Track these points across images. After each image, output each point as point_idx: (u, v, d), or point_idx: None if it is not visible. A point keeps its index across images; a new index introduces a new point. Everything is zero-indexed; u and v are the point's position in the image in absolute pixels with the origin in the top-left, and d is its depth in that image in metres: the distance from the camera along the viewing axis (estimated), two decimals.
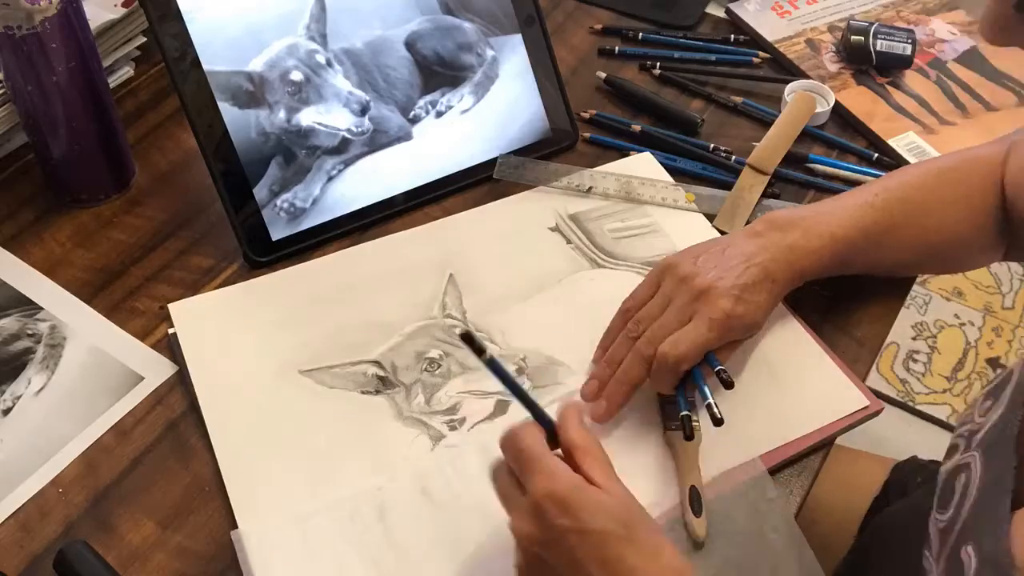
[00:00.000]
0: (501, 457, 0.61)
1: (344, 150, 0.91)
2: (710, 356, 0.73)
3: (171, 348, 0.81)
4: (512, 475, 0.60)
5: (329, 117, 0.90)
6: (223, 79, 0.86)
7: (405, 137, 0.93)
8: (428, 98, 0.94)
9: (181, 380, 0.79)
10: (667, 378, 0.72)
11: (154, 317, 0.83)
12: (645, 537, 0.56)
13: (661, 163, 0.95)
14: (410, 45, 0.93)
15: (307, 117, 0.89)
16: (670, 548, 0.58)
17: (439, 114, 0.94)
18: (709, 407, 0.71)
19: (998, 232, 0.81)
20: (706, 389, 0.72)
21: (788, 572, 0.69)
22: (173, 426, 0.76)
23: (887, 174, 0.85)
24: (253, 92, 0.87)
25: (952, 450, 0.67)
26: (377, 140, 0.92)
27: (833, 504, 0.96)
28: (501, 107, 0.95)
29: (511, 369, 0.78)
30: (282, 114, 0.88)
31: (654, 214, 0.90)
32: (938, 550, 0.62)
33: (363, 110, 0.91)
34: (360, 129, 0.91)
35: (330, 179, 0.90)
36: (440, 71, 0.94)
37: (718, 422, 0.70)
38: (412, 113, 0.93)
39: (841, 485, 0.97)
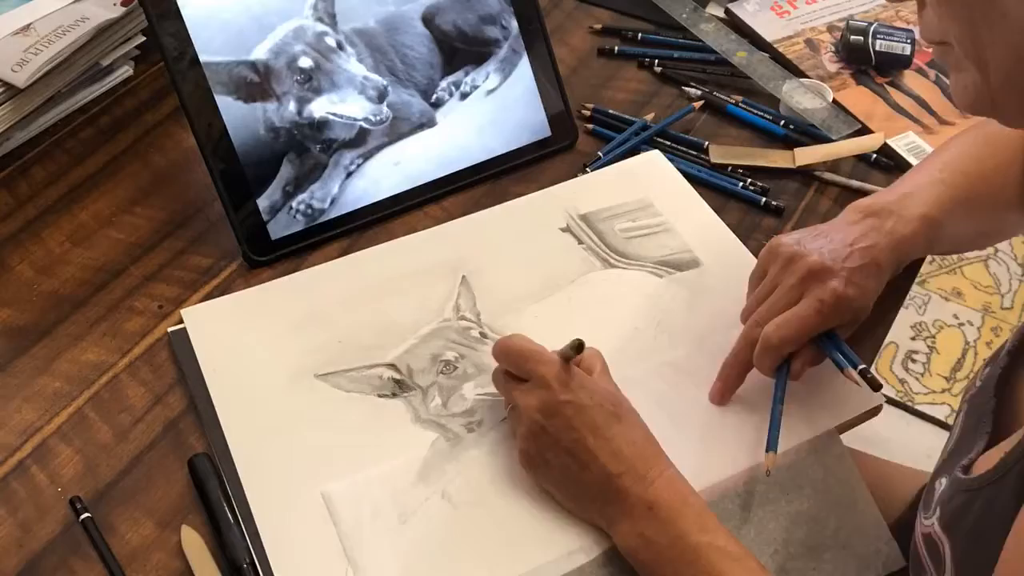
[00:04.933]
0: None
1: (362, 142, 0.86)
2: (848, 353, 0.73)
3: (171, 347, 0.81)
4: (509, 373, 0.70)
5: (344, 106, 0.84)
6: (224, 71, 0.81)
7: (428, 124, 0.88)
8: (451, 78, 0.88)
9: (181, 379, 0.79)
10: (768, 360, 0.73)
11: (153, 316, 0.83)
12: (628, 416, 0.68)
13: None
14: (428, 20, 0.87)
15: (320, 108, 0.84)
16: (646, 429, 0.68)
17: (464, 95, 0.88)
18: (864, 372, 0.71)
19: None
20: (845, 355, 0.72)
21: (851, 522, 0.71)
22: (172, 425, 0.76)
23: (941, 145, 0.86)
24: (259, 83, 0.82)
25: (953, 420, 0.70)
26: (398, 128, 0.87)
27: None
28: (500, 105, 0.94)
29: None
30: (292, 106, 0.84)
31: (665, 213, 0.90)
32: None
33: (381, 96, 0.85)
34: (379, 118, 0.86)
35: (349, 175, 0.85)
36: (463, 47, 0.88)
37: (877, 386, 0.71)
38: (434, 96, 0.88)
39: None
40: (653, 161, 0.94)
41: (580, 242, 0.88)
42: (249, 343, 0.80)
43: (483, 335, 0.80)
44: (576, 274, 0.85)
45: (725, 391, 0.75)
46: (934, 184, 0.79)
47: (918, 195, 0.79)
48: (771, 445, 0.70)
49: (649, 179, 0.93)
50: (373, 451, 0.73)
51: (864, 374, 0.71)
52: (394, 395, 0.77)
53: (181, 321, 0.82)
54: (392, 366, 0.78)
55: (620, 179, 0.93)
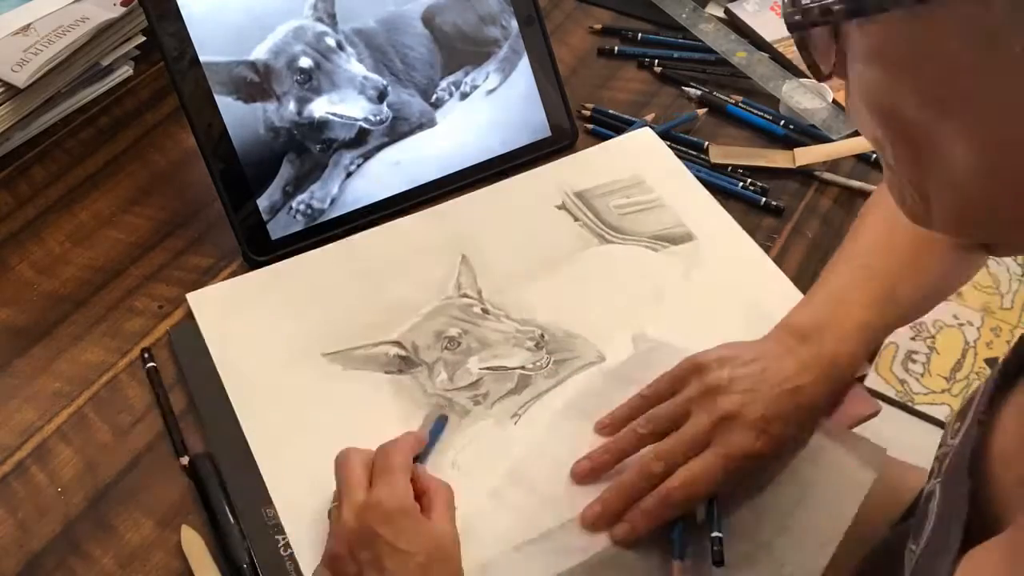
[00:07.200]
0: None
1: (362, 142, 0.87)
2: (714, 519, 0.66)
3: (171, 347, 0.81)
4: (368, 470, 0.66)
5: (344, 106, 0.85)
6: (224, 71, 0.82)
7: (428, 124, 0.89)
8: (451, 78, 0.89)
9: (181, 379, 0.79)
10: (666, 514, 0.67)
11: (153, 316, 0.83)
12: (439, 570, 0.62)
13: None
14: (427, 20, 0.87)
15: (320, 108, 0.85)
16: None
17: (464, 96, 0.89)
18: (714, 541, 0.64)
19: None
20: (717, 520, 0.66)
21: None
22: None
23: (856, 220, 0.79)
24: (259, 83, 0.83)
25: (930, 474, 0.62)
26: (398, 129, 0.88)
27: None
28: (500, 105, 0.94)
29: (530, 344, 0.79)
30: (292, 106, 0.84)
31: (657, 189, 0.91)
32: None
33: (381, 96, 0.86)
34: (378, 118, 0.86)
35: (348, 175, 0.86)
36: (462, 47, 0.89)
37: (718, 563, 0.64)
38: (434, 96, 0.88)
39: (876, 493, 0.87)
40: (643, 138, 0.96)
41: (576, 219, 0.89)
42: (255, 324, 0.81)
43: (485, 311, 0.82)
44: (573, 250, 0.87)
45: (609, 521, 0.67)
46: (861, 280, 0.73)
47: (852, 298, 0.72)
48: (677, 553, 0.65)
49: (641, 156, 0.95)
50: (383, 426, 0.73)
51: (714, 544, 0.64)
52: (400, 371, 0.78)
53: (182, 320, 0.82)
54: (397, 343, 0.80)
55: (612, 156, 0.95)
